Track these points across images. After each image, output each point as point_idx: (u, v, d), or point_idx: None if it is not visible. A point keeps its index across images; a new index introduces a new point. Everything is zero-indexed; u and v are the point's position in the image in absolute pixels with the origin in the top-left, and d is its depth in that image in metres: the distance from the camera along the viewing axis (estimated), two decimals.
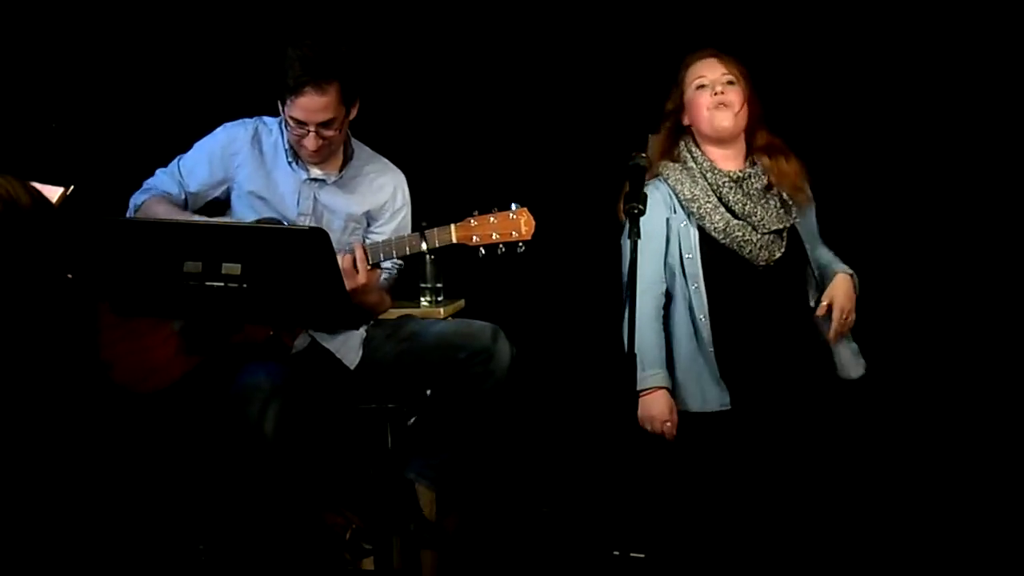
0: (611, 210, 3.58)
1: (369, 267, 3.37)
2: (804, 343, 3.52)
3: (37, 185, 3.21)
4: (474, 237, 3.34)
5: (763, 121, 3.59)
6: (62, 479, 3.20)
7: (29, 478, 3.11)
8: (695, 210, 3.51)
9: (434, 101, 4.49)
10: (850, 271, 3.57)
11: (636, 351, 3.36)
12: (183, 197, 3.58)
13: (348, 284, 3.25)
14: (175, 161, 3.62)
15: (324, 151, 3.49)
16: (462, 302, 4.21)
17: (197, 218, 3.52)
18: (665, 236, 3.52)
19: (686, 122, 3.59)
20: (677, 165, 3.57)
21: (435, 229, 3.36)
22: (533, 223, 3.34)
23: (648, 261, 3.47)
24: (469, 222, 3.35)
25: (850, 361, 3.55)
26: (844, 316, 3.49)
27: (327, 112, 3.39)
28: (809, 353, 3.51)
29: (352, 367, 3.56)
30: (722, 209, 3.50)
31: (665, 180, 3.55)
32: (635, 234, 3.03)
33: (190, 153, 3.61)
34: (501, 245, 3.33)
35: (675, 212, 3.53)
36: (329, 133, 3.43)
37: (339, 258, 3.24)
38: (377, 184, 3.62)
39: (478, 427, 3.53)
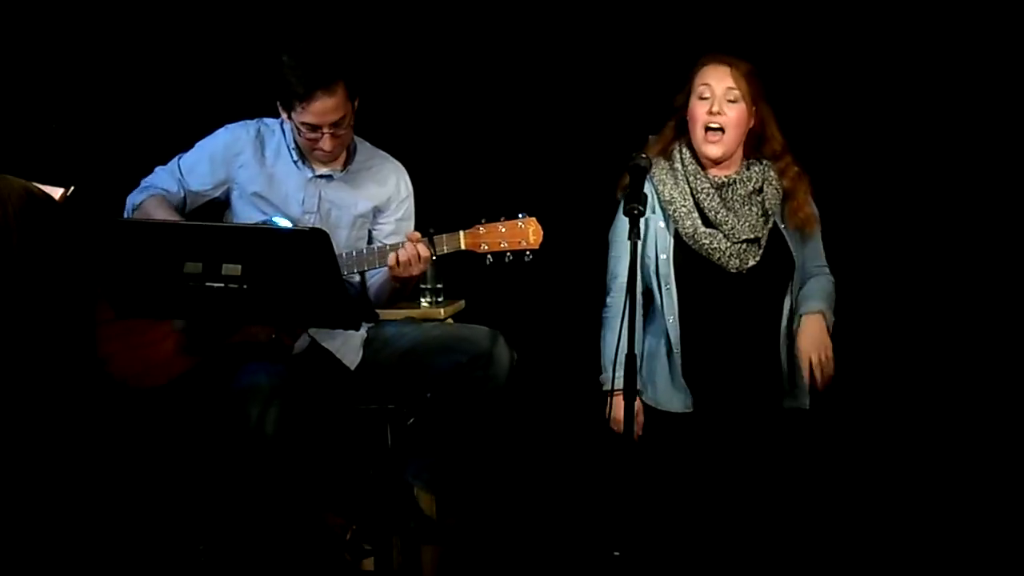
0: (611, 212, 3.59)
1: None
2: (768, 353, 3.49)
3: (37, 185, 3.22)
4: (483, 244, 3.35)
5: (776, 128, 3.55)
6: (60, 476, 3.21)
7: (27, 475, 3.11)
8: (671, 212, 3.50)
9: (439, 108, 4.50)
10: (819, 308, 3.48)
11: (605, 351, 3.50)
12: (182, 196, 3.58)
13: (414, 271, 3.33)
14: (175, 159, 3.61)
15: (339, 149, 3.51)
16: (462, 303, 4.21)
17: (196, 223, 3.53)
18: (644, 235, 3.50)
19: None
20: (666, 164, 3.55)
21: (444, 235, 3.37)
22: (541, 232, 3.35)
23: (628, 260, 3.49)
24: (478, 229, 3.36)
25: (799, 391, 3.49)
26: (821, 366, 3.41)
27: (338, 112, 3.41)
28: (771, 365, 3.48)
29: (352, 368, 3.57)
30: (695, 215, 3.49)
31: (650, 179, 3.53)
32: (635, 235, 3.03)
33: (191, 152, 3.61)
34: (509, 253, 3.35)
35: (655, 211, 3.52)
36: (342, 132, 3.46)
37: (402, 250, 3.32)
38: (381, 177, 3.63)
39: (478, 430, 3.53)
